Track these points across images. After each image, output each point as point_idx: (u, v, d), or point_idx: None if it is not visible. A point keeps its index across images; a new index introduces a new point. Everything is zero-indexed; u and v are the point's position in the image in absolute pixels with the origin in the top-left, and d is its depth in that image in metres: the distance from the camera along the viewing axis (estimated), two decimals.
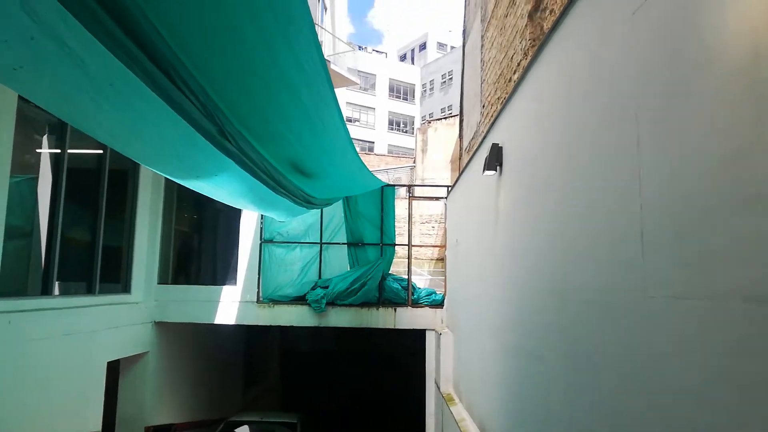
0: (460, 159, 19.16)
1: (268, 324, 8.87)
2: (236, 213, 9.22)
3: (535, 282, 3.47)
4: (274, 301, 8.90)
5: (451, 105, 42.32)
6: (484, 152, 5.12)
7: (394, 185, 9.37)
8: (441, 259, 20.71)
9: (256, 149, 3.53)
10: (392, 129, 46.58)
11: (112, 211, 8.15)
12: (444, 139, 27.17)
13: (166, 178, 9.13)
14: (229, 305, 8.89)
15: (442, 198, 9.39)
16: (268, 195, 4.96)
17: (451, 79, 43.83)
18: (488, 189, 4.92)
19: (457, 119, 22.65)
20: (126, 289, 8.44)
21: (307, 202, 5.67)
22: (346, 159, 5.21)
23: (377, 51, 51.90)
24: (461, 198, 7.25)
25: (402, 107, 47.43)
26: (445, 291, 8.89)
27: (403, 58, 54.86)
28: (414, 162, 29.91)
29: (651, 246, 1.95)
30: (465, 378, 6.48)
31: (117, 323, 7.84)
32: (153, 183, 9.02)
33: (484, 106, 9.06)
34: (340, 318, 8.83)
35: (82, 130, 2.89)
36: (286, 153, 3.99)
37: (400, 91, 47.66)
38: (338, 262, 9.11)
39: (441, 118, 29.35)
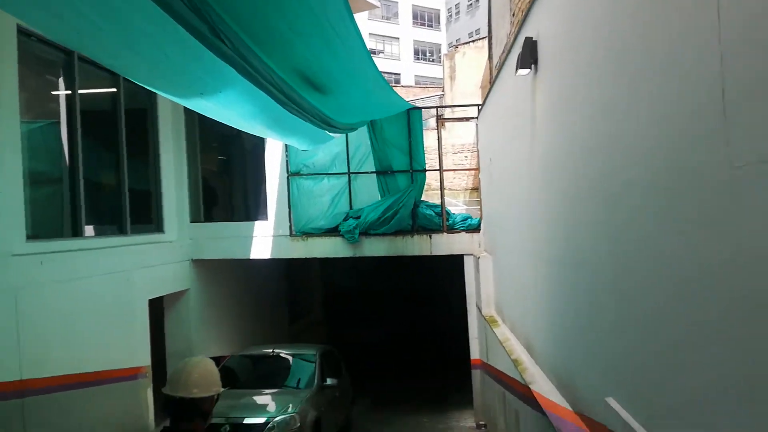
0: (491, 81, 18.31)
1: (303, 257, 8.82)
2: (260, 147, 9.00)
3: (582, 183, 3.11)
4: (307, 233, 8.79)
5: (479, 29, 40.35)
6: (516, 53, 4.65)
7: (421, 107, 8.91)
8: (476, 189, 20.29)
9: (258, 56, 3.20)
10: (418, 59, 45.02)
11: (134, 152, 8.02)
12: (473, 63, 26.01)
13: (186, 115, 8.94)
14: (263, 240, 8.84)
15: (473, 119, 8.91)
16: (283, 116, 4.66)
17: (477, 1, 41.55)
18: (523, 92, 4.48)
19: (486, 41, 21.50)
20: (159, 228, 8.44)
21: (327, 125, 5.35)
22: (365, 73, 4.83)
23: None
24: (493, 112, 6.80)
25: (427, 35, 45.57)
26: (481, 214, 8.59)
27: None
28: (442, 91, 28.93)
29: (734, 106, 1.58)
30: (507, 299, 6.28)
31: (153, 262, 7.89)
32: (173, 121, 8.81)
33: (513, 14, 8.36)
34: (375, 247, 8.68)
35: (63, 43, 2.62)
36: (293, 61, 3.65)
37: (424, 18, 45.65)
38: (368, 192, 8.86)
39: (469, 42, 28.01)
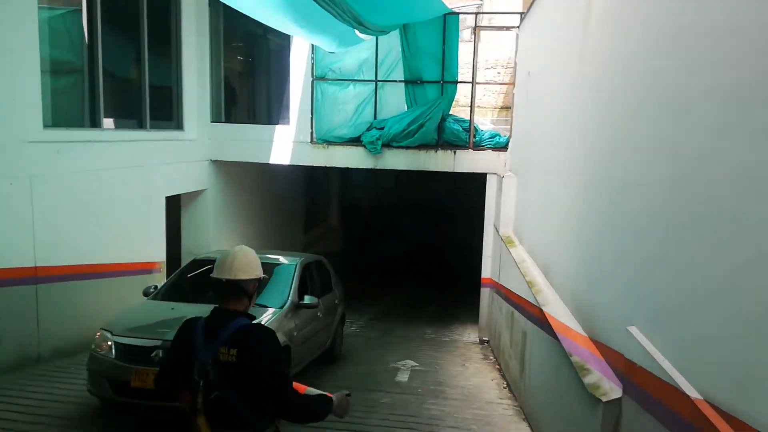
0: None
1: (323, 165, 8.64)
2: (286, 48, 8.57)
3: (647, 93, 2.78)
4: (328, 141, 8.55)
5: None
6: None
7: (458, 12, 8.28)
8: (506, 107, 19.51)
9: None
10: None
11: (156, 46, 7.70)
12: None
13: (211, 10, 8.47)
14: (283, 145, 8.64)
15: (514, 28, 8.29)
16: (312, 10, 4.29)
17: None
18: None
19: None
20: (179, 126, 8.27)
21: (357, 23, 4.95)
22: None
23: None
24: (538, 20, 6.26)
25: None
26: (511, 132, 8.20)
27: None
28: (481, 0, 27.14)
29: None
30: (528, 221, 6.09)
31: (172, 159, 7.80)
32: (197, 16, 8.39)
33: None
34: (397, 160, 8.43)
35: None
36: None
37: None
38: (395, 102, 8.48)
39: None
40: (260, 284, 2.60)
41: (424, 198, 14.74)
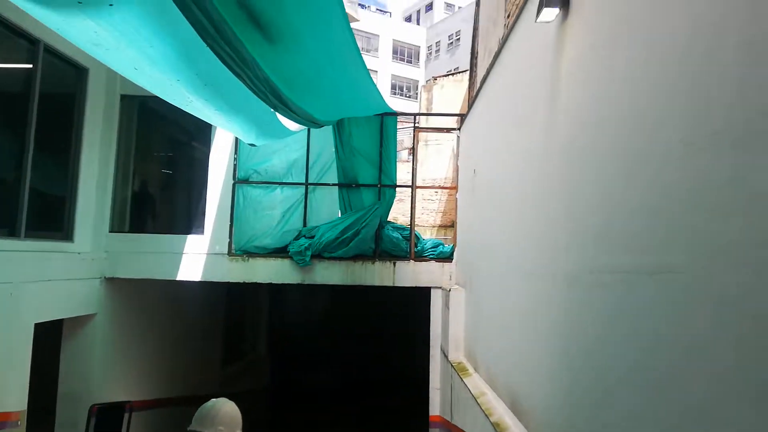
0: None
1: (242, 281, 7.37)
2: (205, 147, 7.65)
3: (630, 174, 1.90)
4: (249, 253, 7.38)
5: (458, 67, 40.23)
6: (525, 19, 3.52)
7: (396, 113, 7.74)
8: (445, 226, 19.19)
9: None
10: (395, 93, 44.58)
11: (46, 143, 6.57)
12: (451, 97, 25.39)
13: (123, 105, 7.57)
14: (195, 258, 7.38)
15: (454, 130, 7.78)
16: (213, 73, 3.37)
17: (458, 39, 41.67)
18: (541, 51, 3.31)
19: (466, 75, 20.87)
20: (67, 236, 6.91)
21: (276, 99, 4.06)
22: (332, 28, 3.62)
23: (381, 10, 49.56)
24: (482, 112, 5.65)
25: (406, 70, 45.36)
26: (455, 241, 7.35)
27: (408, 19, 52.41)
28: (418, 123, 28.10)
29: None
30: (484, 342, 4.97)
31: (51, 275, 6.34)
32: (106, 111, 7.43)
33: (509, 16, 7.36)
34: (329, 274, 7.31)
35: None
36: None
37: (404, 54, 45.53)
38: (327, 208, 7.56)
39: (448, 74, 27.50)
40: None
41: (364, 320, 13.41)
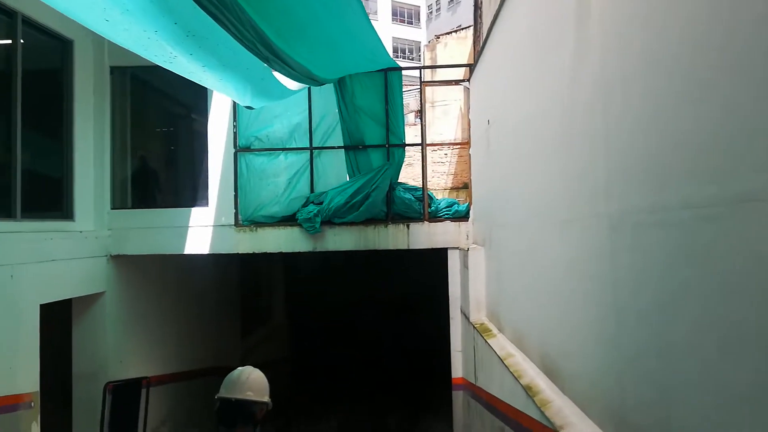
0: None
1: (251, 251, 7.12)
2: (203, 117, 7.31)
3: None
4: (257, 223, 7.11)
5: (460, 24, 39.14)
6: None
7: (401, 67, 7.32)
8: (457, 188, 18.81)
9: None
10: (397, 56, 43.53)
11: (37, 123, 6.28)
12: (455, 55, 24.65)
13: (114, 77, 7.24)
14: (202, 231, 7.13)
15: (463, 82, 7.35)
16: (194, 21, 3.02)
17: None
18: None
19: (469, 31, 20.12)
20: (67, 215, 6.68)
21: (267, 50, 3.69)
22: None
23: None
24: (494, 58, 5.24)
25: (407, 32, 44.21)
26: (471, 198, 7.02)
27: None
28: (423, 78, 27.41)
29: None
30: (509, 301, 4.69)
31: (54, 255, 6.11)
32: (97, 85, 7.10)
33: None
34: (341, 240, 7.04)
35: None
36: None
37: (404, 15, 44.32)
38: (334, 172, 7.23)
39: (451, 32, 26.68)
40: (267, 414, 2.44)
41: (381, 285, 13.21)
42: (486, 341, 4.88)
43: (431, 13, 43.57)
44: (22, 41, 5.87)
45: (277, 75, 4.65)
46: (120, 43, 3.31)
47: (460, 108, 22.46)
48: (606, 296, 2.44)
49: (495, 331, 5.06)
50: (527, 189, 3.84)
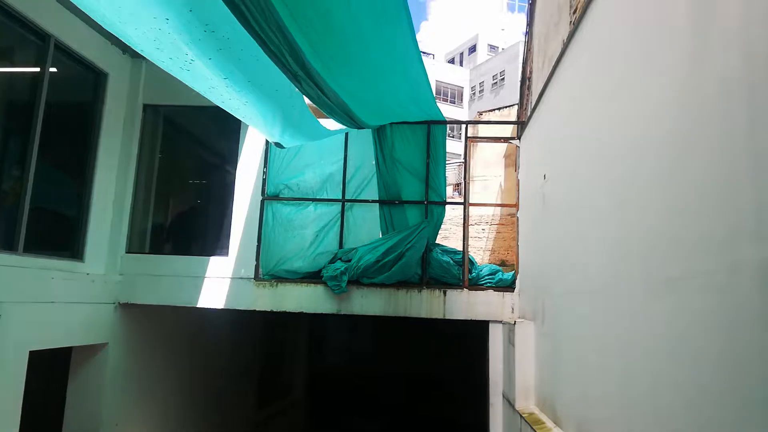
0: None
1: (269, 309, 6.42)
2: (232, 160, 6.90)
3: None
4: (278, 278, 6.46)
5: (502, 107, 39.57)
6: None
7: (446, 120, 6.81)
8: (495, 253, 17.92)
9: None
10: None
11: (54, 154, 5.96)
12: (497, 133, 24.58)
13: (146, 115, 6.97)
14: (218, 282, 6.51)
15: (513, 140, 6.76)
16: (212, 13, 2.54)
17: (503, 79, 41.20)
18: None
19: (513, 109, 19.94)
20: (77, 255, 6.19)
21: (298, 65, 3.19)
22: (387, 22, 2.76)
23: (424, 53, 49.74)
24: (552, 109, 4.65)
25: (449, 111, 44.88)
26: (517, 267, 6.23)
27: (451, 61, 52.46)
28: (463, 158, 27.27)
29: None
30: (571, 387, 3.79)
31: (52, 297, 5.55)
32: (126, 122, 6.83)
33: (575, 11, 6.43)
34: (368, 303, 6.28)
35: None
36: None
37: (447, 94, 45.24)
38: (366, 227, 6.60)
39: (494, 109, 26.73)
40: None
41: (412, 357, 12.15)
42: None
43: (474, 94, 44.36)
44: (52, 69, 5.63)
45: (311, 107, 4.15)
46: (127, 38, 2.84)
47: (500, 184, 21.92)
48: (750, 389, 1.63)
49: (550, 424, 4.12)
50: (601, 247, 3.08)
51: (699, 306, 1.98)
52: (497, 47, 49.75)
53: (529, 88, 10.12)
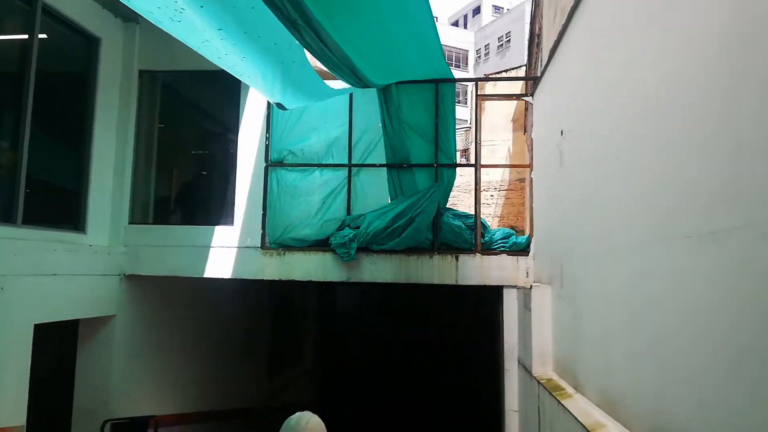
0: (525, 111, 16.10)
1: (277, 278, 6.27)
2: (234, 126, 6.67)
3: None
4: (285, 246, 6.30)
5: (510, 65, 38.96)
6: None
7: (455, 79, 6.51)
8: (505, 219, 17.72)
9: None
10: None
11: (50, 124, 5.75)
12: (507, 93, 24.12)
13: (143, 81, 6.71)
14: (224, 252, 6.36)
15: (526, 97, 6.46)
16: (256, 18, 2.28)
17: (509, 41, 40.26)
18: None
19: (521, 71, 19.39)
20: (78, 226, 6.05)
21: (295, 9, 2.92)
22: None
23: None
24: (575, 52, 4.35)
25: (455, 75, 44.13)
26: (532, 230, 6.03)
27: (455, 24, 51.26)
28: (469, 125, 26.86)
29: None
30: (593, 353, 3.63)
31: (55, 269, 5.43)
32: (122, 89, 6.59)
33: None
34: (378, 270, 6.12)
35: None
36: None
37: (452, 58, 44.31)
38: (374, 193, 6.39)
39: (500, 71, 26.13)
40: None
41: (424, 324, 12.09)
42: (559, 402, 3.80)
43: (479, 57, 43.46)
44: (41, 35, 5.37)
45: (312, 60, 3.90)
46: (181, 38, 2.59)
47: (508, 149, 21.52)
48: None
49: (570, 390, 3.97)
50: (634, 198, 2.85)
51: (750, 258, 1.77)
52: (502, 8, 48.47)
53: (538, 45, 9.72)
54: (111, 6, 6.20)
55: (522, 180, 20.97)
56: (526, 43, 15.75)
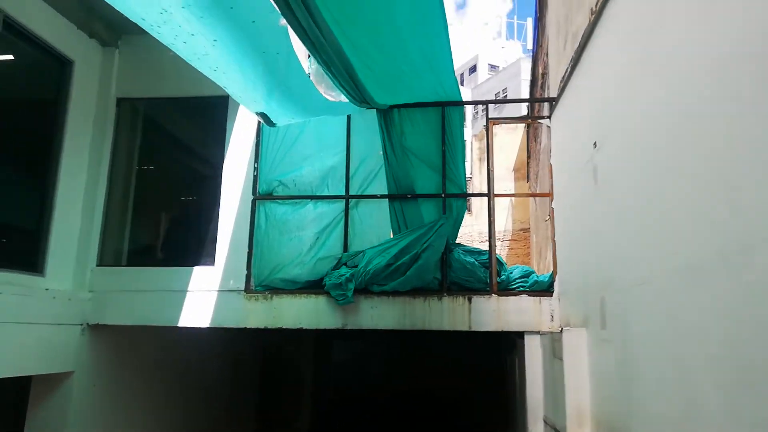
0: (528, 158, 15.62)
1: (263, 326, 5.44)
2: (218, 157, 6.02)
3: None
4: (273, 288, 5.51)
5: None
6: None
7: (462, 102, 5.93)
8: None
9: None
10: None
11: (7, 153, 5.12)
12: (504, 145, 23.94)
13: (120, 110, 6.13)
14: (203, 297, 5.56)
15: (543, 119, 5.86)
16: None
17: (505, 97, 40.72)
18: None
19: (519, 125, 19.18)
20: (34, 267, 5.27)
21: (308, 18, 2.31)
22: None
23: None
24: (602, 63, 3.75)
25: None
26: (555, 267, 5.27)
27: None
28: (470, 174, 26.50)
29: None
30: (659, 408, 2.79)
31: (2, 317, 4.61)
32: (96, 118, 5.99)
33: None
34: (379, 315, 5.31)
35: None
36: None
37: None
38: (375, 227, 5.68)
39: (502, 118, 25.98)
40: None
41: (435, 375, 11.05)
42: None
43: (476, 113, 43.81)
44: (4, 56, 4.82)
45: (303, 62, 3.27)
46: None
47: (510, 199, 20.97)
48: None
49: None
50: (701, 211, 2.14)
51: None
52: (497, 66, 49.49)
53: (542, 86, 9.32)
54: (86, 27, 5.69)
55: (526, 230, 20.30)
56: (528, 89, 15.57)
